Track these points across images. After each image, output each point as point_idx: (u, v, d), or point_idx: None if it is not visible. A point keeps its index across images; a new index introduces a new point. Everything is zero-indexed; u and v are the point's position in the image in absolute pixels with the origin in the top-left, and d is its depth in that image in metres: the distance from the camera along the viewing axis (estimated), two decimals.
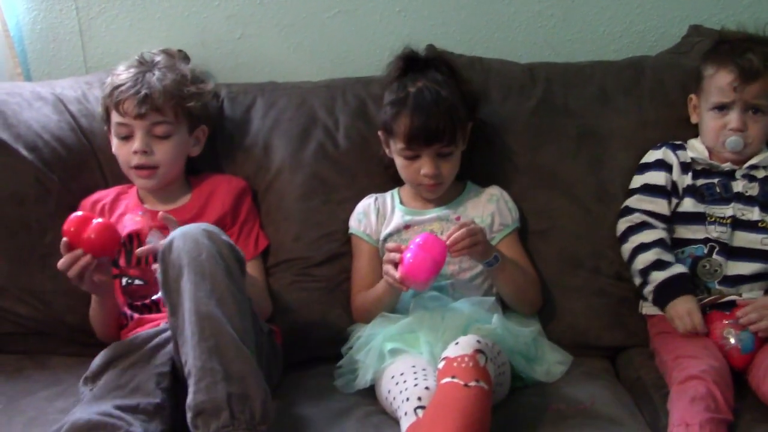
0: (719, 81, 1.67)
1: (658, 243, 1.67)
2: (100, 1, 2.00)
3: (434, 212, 1.71)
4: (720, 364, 1.51)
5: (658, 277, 1.64)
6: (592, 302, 1.74)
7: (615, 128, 1.80)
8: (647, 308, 1.72)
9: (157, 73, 1.68)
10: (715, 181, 1.70)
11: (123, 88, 1.65)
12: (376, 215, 1.73)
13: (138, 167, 1.67)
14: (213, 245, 1.38)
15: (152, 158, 1.67)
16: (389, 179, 1.76)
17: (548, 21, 2.01)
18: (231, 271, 1.38)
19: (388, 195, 1.77)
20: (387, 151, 1.72)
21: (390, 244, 1.58)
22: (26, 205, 1.72)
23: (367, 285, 1.69)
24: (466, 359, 1.36)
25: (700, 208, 1.69)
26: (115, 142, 1.71)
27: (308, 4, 2.00)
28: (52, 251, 1.69)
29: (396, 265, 1.51)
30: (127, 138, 1.68)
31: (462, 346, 1.39)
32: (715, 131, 1.69)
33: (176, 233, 1.40)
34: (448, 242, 1.51)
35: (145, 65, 1.71)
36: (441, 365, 1.38)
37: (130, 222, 1.70)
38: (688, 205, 1.70)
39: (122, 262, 1.68)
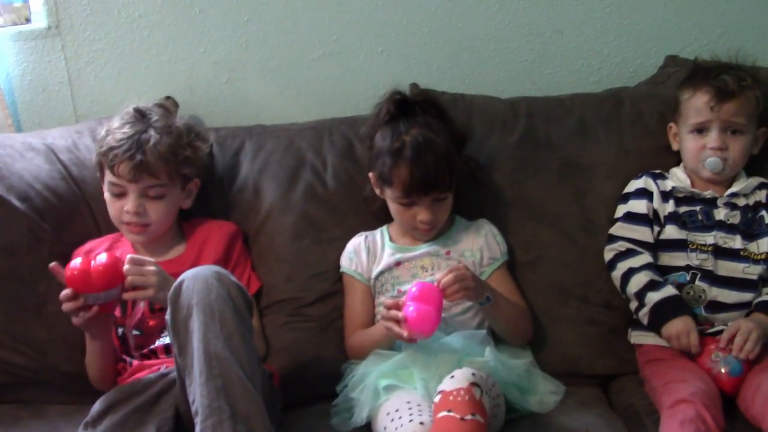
0: (696, 102, 1.71)
1: (646, 266, 1.69)
2: (89, 51, 2.04)
3: (424, 248, 1.73)
4: (708, 386, 1.53)
5: (653, 298, 1.65)
6: (583, 331, 1.76)
7: (597, 159, 1.83)
8: (636, 337, 1.74)
9: (153, 134, 1.67)
10: (697, 208, 1.73)
11: (118, 151, 1.65)
12: (367, 253, 1.75)
13: (129, 223, 1.69)
14: (222, 286, 1.39)
15: (145, 218, 1.68)
16: (378, 218, 1.78)
17: (528, 56, 2.05)
18: (239, 311, 1.40)
19: (377, 233, 1.79)
20: (377, 191, 1.73)
21: (388, 301, 1.56)
22: (19, 255, 1.73)
23: (361, 323, 1.71)
24: (462, 392, 1.37)
25: (683, 234, 1.71)
26: (107, 196, 1.72)
27: (293, 47, 2.04)
28: (45, 300, 1.72)
29: (398, 321, 1.51)
30: (120, 195, 1.69)
31: (458, 380, 1.40)
32: (695, 152, 1.72)
33: (187, 275, 1.41)
34: (440, 288, 1.52)
35: (140, 122, 1.70)
36: (437, 399, 1.39)
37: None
38: (671, 231, 1.72)
39: (118, 312, 1.68)
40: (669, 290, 1.66)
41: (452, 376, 1.41)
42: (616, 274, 1.72)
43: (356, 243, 1.77)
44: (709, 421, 1.43)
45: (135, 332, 1.58)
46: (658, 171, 1.79)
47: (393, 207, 1.70)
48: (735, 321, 1.62)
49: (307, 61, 2.05)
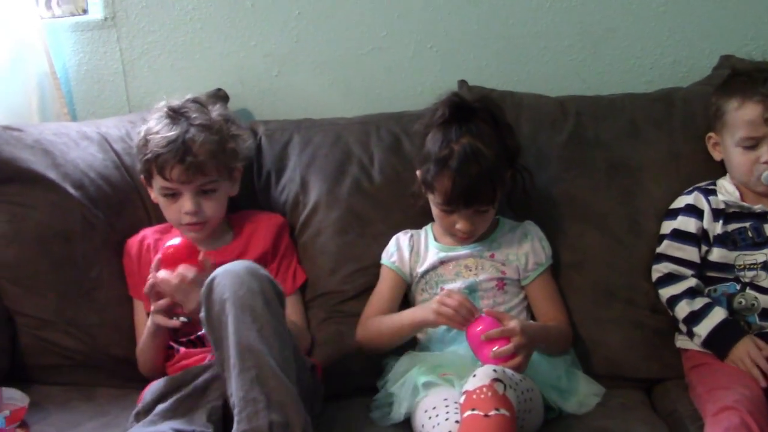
0: (747, 114, 1.64)
1: (687, 293, 1.67)
2: (143, 43, 2.08)
3: (468, 249, 1.73)
4: (753, 393, 1.50)
5: (700, 331, 1.63)
6: (628, 334, 1.74)
7: (646, 160, 1.81)
8: (682, 342, 1.72)
9: (196, 134, 1.67)
10: (747, 224, 1.68)
11: (168, 156, 1.65)
12: (410, 252, 1.75)
13: (189, 224, 1.71)
14: (254, 280, 1.42)
15: (202, 215, 1.70)
16: (423, 213, 1.78)
17: (578, 54, 2.04)
18: (270, 304, 1.42)
19: (422, 232, 1.79)
20: (423, 189, 1.72)
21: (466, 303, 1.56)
22: (73, 242, 1.77)
23: (382, 311, 1.72)
24: (484, 390, 1.37)
25: (730, 258, 1.67)
26: (161, 201, 1.73)
27: (343, 42, 2.05)
28: (97, 286, 1.77)
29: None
30: (173, 196, 1.71)
31: (479, 378, 1.40)
32: (747, 166, 1.66)
33: (219, 271, 1.44)
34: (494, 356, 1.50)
35: (179, 122, 1.69)
36: (462, 399, 1.40)
37: None
38: (719, 254, 1.68)
39: None
40: (714, 316, 1.63)
41: (474, 375, 1.41)
42: (662, 295, 1.71)
43: (400, 240, 1.78)
44: (754, 428, 1.40)
45: (183, 319, 1.63)
46: (709, 185, 1.73)
47: (434, 210, 1.70)
48: None
49: (356, 55, 2.06)
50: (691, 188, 1.74)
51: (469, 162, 1.60)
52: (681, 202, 1.74)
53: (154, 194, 1.75)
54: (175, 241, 1.64)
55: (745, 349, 1.59)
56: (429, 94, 2.01)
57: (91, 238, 1.78)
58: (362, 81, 2.07)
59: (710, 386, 1.55)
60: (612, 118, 1.87)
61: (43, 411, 1.64)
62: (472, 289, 1.69)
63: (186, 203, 1.69)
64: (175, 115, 1.71)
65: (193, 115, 1.71)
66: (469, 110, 1.67)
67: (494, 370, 1.40)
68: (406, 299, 1.77)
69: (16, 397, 1.60)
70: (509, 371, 1.43)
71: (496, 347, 1.50)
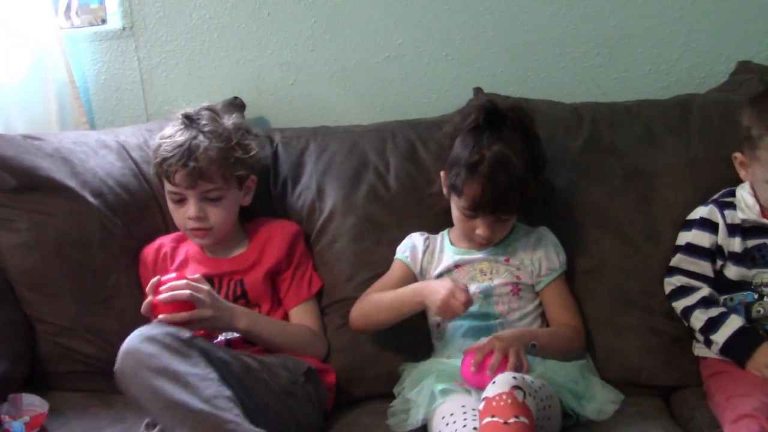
0: None
1: (701, 303, 1.65)
2: (160, 52, 2.10)
3: (483, 253, 1.73)
4: None
5: (718, 338, 1.62)
6: (645, 341, 1.73)
7: (662, 167, 1.80)
8: (699, 349, 1.70)
9: (202, 140, 1.70)
10: (767, 240, 1.64)
11: (172, 160, 1.69)
12: (424, 251, 1.76)
13: (193, 229, 1.73)
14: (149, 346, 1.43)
15: (207, 222, 1.72)
16: (439, 220, 1.79)
17: (594, 60, 2.03)
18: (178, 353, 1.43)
19: (438, 237, 1.80)
20: (444, 190, 1.73)
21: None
22: (92, 249, 1.78)
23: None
24: (504, 397, 1.37)
25: (748, 276, 1.64)
26: (170, 205, 1.77)
27: (358, 50, 2.06)
28: (115, 293, 1.78)
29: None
30: (181, 201, 1.74)
31: (499, 384, 1.39)
32: None
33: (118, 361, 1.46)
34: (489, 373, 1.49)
35: (190, 128, 1.72)
36: (481, 406, 1.39)
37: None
38: (734, 271, 1.65)
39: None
40: (732, 324, 1.62)
41: (494, 382, 1.41)
42: (676, 307, 1.69)
43: (415, 238, 1.78)
44: None
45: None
46: (728, 197, 1.70)
47: (455, 213, 1.71)
48: None
49: (371, 63, 2.07)
50: (709, 200, 1.72)
51: (499, 169, 1.60)
52: (697, 213, 1.71)
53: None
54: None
55: (764, 357, 1.57)
56: (444, 101, 2.03)
57: (109, 246, 1.80)
58: (378, 89, 2.08)
59: (729, 394, 1.54)
60: (628, 124, 1.86)
61: (63, 417, 1.66)
62: (487, 294, 1.69)
63: (190, 208, 1.71)
64: (188, 122, 1.74)
65: (204, 122, 1.74)
66: (502, 118, 1.67)
67: (514, 377, 1.40)
68: None
69: (36, 404, 1.61)
70: (528, 378, 1.42)
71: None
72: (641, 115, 1.87)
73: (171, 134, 1.73)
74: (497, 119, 1.67)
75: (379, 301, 1.69)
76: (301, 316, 1.77)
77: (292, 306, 1.78)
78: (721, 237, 1.66)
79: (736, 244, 1.65)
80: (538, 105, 1.91)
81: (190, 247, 1.80)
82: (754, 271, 1.64)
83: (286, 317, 1.78)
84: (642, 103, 1.90)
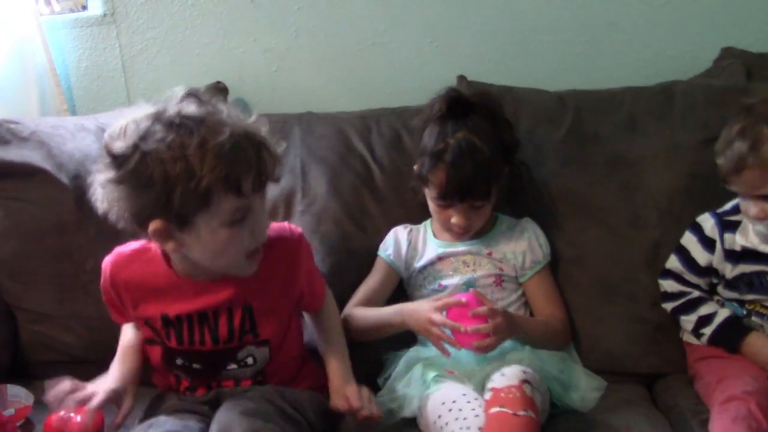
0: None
1: (694, 302, 1.65)
2: (142, 39, 2.08)
3: (466, 245, 1.72)
4: (762, 384, 1.48)
5: (706, 331, 1.62)
6: (629, 329, 1.72)
7: (645, 153, 1.79)
8: (688, 335, 1.69)
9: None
10: (766, 268, 1.58)
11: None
12: (407, 246, 1.75)
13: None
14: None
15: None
16: (422, 209, 1.77)
17: (579, 48, 2.03)
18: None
19: (421, 227, 1.78)
20: (419, 183, 1.72)
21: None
22: (68, 234, 1.76)
23: (370, 301, 1.70)
24: (513, 389, 1.37)
25: (741, 299, 1.62)
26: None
27: (342, 37, 2.05)
28: (93, 278, 1.73)
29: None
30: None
31: (508, 377, 1.39)
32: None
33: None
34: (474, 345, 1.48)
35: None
36: (488, 396, 1.39)
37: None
38: (728, 295, 1.64)
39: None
40: (722, 314, 1.61)
41: (503, 374, 1.40)
42: (666, 307, 1.69)
43: (399, 233, 1.77)
44: (761, 419, 1.39)
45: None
46: (734, 216, 1.61)
47: (430, 204, 1.70)
48: None
49: (356, 51, 2.06)
50: (717, 210, 1.64)
51: (463, 156, 1.59)
52: (704, 222, 1.65)
53: None
54: None
55: (760, 342, 1.57)
56: (428, 89, 1.98)
57: (86, 229, 1.76)
58: (362, 76, 2.07)
59: (720, 375, 1.53)
60: (612, 112, 1.85)
61: (47, 410, 1.59)
62: (470, 285, 1.67)
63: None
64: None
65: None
66: (467, 105, 1.67)
67: (523, 371, 1.40)
68: (398, 290, 1.76)
69: (21, 395, 1.59)
70: (530, 371, 1.42)
71: (477, 324, 1.48)
72: (625, 103, 1.86)
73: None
74: (462, 107, 1.66)
75: (365, 319, 1.65)
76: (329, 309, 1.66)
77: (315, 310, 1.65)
78: (717, 260, 1.63)
79: (728, 271, 1.62)
80: (522, 93, 1.90)
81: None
82: (750, 296, 1.61)
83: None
84: (626, 90, 1.89)
